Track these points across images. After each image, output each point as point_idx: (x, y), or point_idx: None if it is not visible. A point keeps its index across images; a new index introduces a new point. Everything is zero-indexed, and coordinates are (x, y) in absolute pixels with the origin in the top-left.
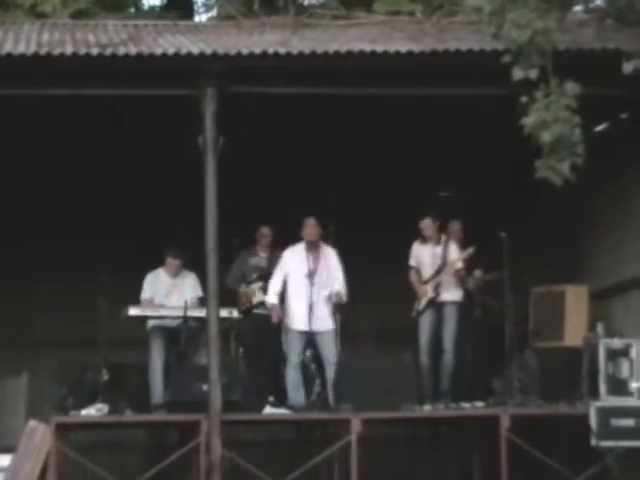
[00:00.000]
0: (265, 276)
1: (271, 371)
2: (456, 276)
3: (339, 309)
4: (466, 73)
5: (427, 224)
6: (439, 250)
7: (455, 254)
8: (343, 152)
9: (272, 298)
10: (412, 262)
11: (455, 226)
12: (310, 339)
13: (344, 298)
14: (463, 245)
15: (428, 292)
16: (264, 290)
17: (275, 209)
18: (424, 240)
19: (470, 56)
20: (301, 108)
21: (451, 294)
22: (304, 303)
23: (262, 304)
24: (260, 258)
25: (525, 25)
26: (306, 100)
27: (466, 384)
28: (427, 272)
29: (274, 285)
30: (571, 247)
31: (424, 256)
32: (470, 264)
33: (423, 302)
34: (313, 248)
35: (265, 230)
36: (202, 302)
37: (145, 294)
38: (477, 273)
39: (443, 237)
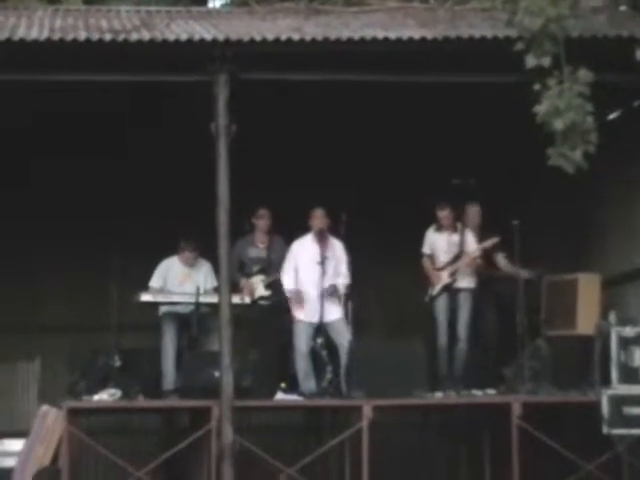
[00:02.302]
0: (266, 268)
1: (280, 359)
2: (473, 265)
3: (350, 297)
4: (479, 60)
5: (446, 214)
6: (456, 238)
7: (473, 244)
8: (355, 139)
9: (290, 283)
10: (426, 249)
11: (473, 210)
12: (320, 327)
13: (341, 291)
14: (480, 230)
15: (443, 278)
16: (264, 284)
17: (286, 196)
18: (440, 227)
19: (483, 43)
20: (314, 94)
21: (466, 281)
22: (315, 292)
23: (263, 298)
24: (259, 249)
25: (538, 12)
26: (319, 86)
27: (478, 369)
28: (442, 259)
29: (288, 276)
30: (583, 235)
31: (440, 243)
32: (490, 251)
33: (438, 287)
34: (322, 238)
35: (262, 212)
36: (217, 291)
37: (154, 282)
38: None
39: (459, 225)
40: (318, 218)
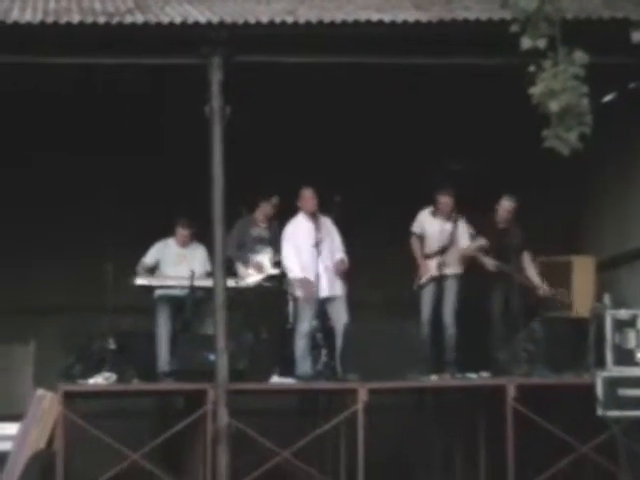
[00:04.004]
0: (269, 247)
1: (277, 341)
2: (462, 260)
3: (343, 278)
4: (474, 42)
5: (447, 200)
6: (449, 227)
7: (464, 239)
8: (349, 121)
9: (299, 272)
10: (416, 229)
11: (506, 204)
12: (320, 308)
13: (347, 264)
14: (511, 224)
15: (431, 268)
16: (272, 262)
17: (281, 179)
18: (435, 212)
19: (478, 25)
20: (308, 77)
21: (452, 268)
22: (312, 272)
23: (272, 278)
24: (261, 228)
25: None
26: (313, 69)
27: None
28: (432, 244)
29: (293, 259)
30: (578, 217)
31: (432, 228)
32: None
33: (426, 278)
34: (313, 218)
35: (275, 200)
36: (210, 275)
37: (147, 259)
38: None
39: (454, 215)
40: (309, 198)
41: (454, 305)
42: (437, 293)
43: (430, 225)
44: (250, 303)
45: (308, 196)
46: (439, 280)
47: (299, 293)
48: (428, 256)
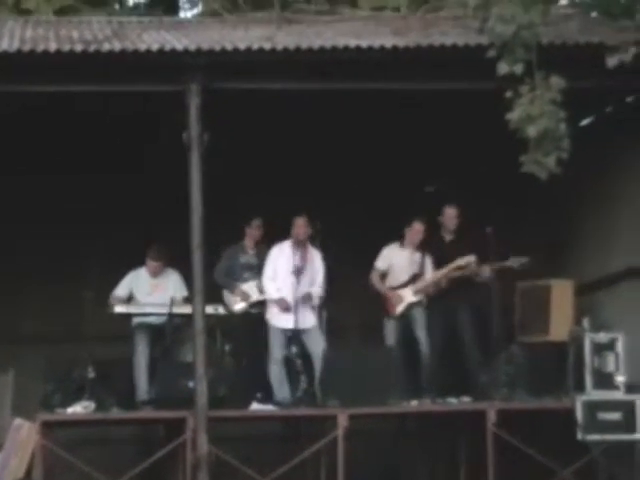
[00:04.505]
0: (257, 274)
1: (261, 368)
2: (438, 287)
3: (324, 305)
4: (451, 68)
5: (418, 228)
6: (417, 257)
7: (430, 272)
8: (328, 147)
9: (275, 293)
10: (381, 265)
11: (450, 212)
12: (294, 336)
13: (315, 301)
14: (458, 233)
15: (407, 296)
16: (259, 288)
17: (260, 205)
18: (403, 243)
19: (455, 51)
20: (286, 103)
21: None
22: (290, 299)
23: (259, 304)
24: (249, 255)
25: (510, 19)
26: (291, 95)
27: (454, 377)
28: (400, 276)
29: (271, 282)
30: (557, 241)
31: (400, 259)
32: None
33: (402, 306)
34: (301, 246)
35: (257, 222)
36: (187, 300)
37: (118, 291)
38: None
39: (419, 254)
40: (300, 227)
41: (426, 331)
42: (406, 320)
43: (399, 257)
44: (232, 330)
45: (299, 224)
46: (409, 307)
47: (270, 315)
48: (397, 287)
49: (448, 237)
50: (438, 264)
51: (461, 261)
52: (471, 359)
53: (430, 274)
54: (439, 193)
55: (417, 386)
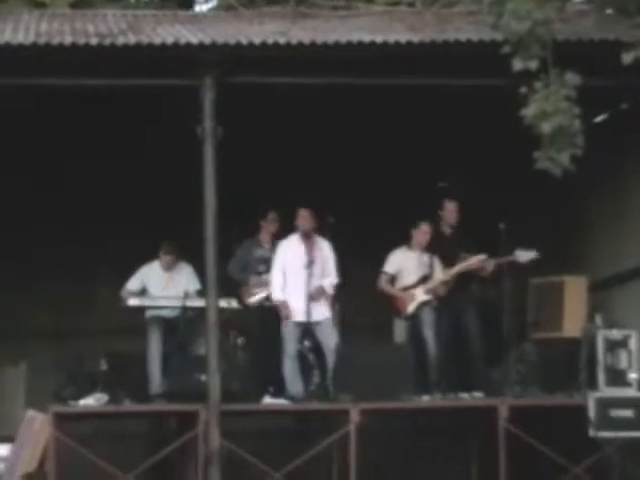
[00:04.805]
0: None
1: (274, 361)
2: (447, 286)
3: (337, 299)
4: (465, 64)
5: (426, 229)
6: (426, 258)
7: (439, 273)
8: (342, 142)
9: (279, 294)
10: (389, 269)
11: (450, 206)
12: (308, 329)
13: (329, 291)
14: (457, 228)
15: (419, 296)
16: None
17: (274, 199)
18: (411, 246)
19: (469, 46)
20: (300, 98)
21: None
22: (302, 294)
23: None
24: (264, 249)
25: (525, 15)
26: (305, 90)
27: (463, 374)
28: (411, 278)
29: (277, 281)
30: (570, 237)
31: (409, 262)
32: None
33: (414, 305)
34: (308, 239)
35: (273, 215)
36: (201, 293)
37: (130, 284)
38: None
39: (428, 255)
40: (304, 218)
41: (435, 328)
42: (416, 319)
43: (407, 260)
44: (245, 323)
45: (303, 215)
46: (419, 306)
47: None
48: (408, 287)
49: (448, 231)
50: (440, 258)
51: (472, 260)
52: (476, 356)
53: (440, 274)
54: (453, 189)
55: (428, 383)
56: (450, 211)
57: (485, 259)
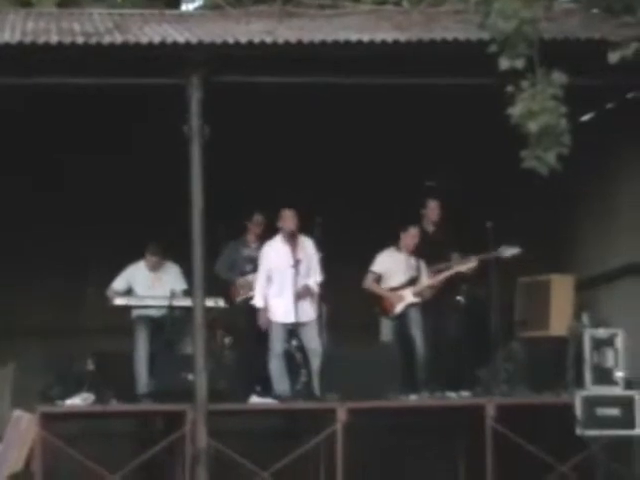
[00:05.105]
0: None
1: (261, 361)
2: (434, 289)
3: (324, 299)
4: (452, 63)
5: (414, 234)
6: (413, 261)
7: (425, 277)
8: (330, 141)
9: (260, 302)
10: (377, 268)
11: (432, 204)
12: (294, 329)
13: (315, 290)
14: (441, 226)
15: (407, 297)
16: None
17: (261, 199)
18: (398, 248)
19: (456, 45)
20: (287, 97)
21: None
22: (289, 294)
23: None
24: (251, 249)
25: (511, 14)
26: (292, 89)
27: (450, 373)
28: (397, 279)
29: (260, 287)
30: (557, 236)
31: (397, 263)
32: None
33: (401, 306)
34: (291, 239)
35: (258, 217)
36: (187, 293)
37: (116, 284)
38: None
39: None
40: (288, 219)
41: (422, 333)
42: (403, 319)
43: (395, 261)
44: (232, 323)
45: (287, 216)
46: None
47: (270, 310)
48: (396, 288)
49: (431, 229)
50: (422, 256)
51: (462, 267)
52: (458, 356)
53: (429, 277)
54: (440, 188)
55: (415, 382)
56: (432, 209)
57: (475, 265)
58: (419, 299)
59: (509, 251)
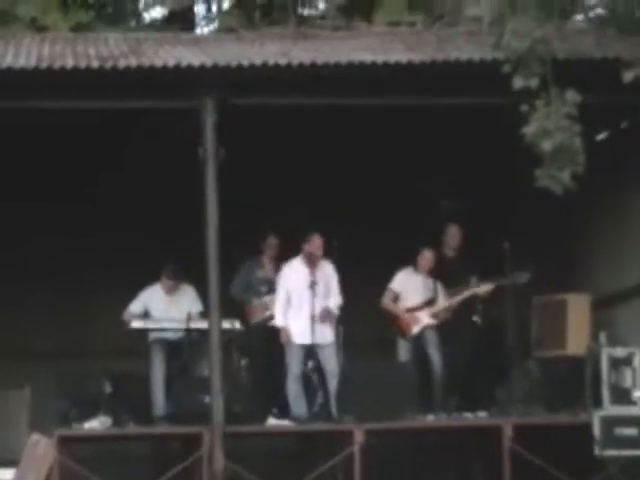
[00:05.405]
0: (275, 289)
1: (277, 383)
2: (450, 311)
3: (341, 320)
4: (466, 83)
5: (429, 256)
6: (430, 283)
7: (442, 298)
8: (344, 163)
9: (281, 320)
10: (395, 286)
11: (452, 230)
12: (311, 351)
13: (335, 312)
14: (460, 250)
15: (423, 319)
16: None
17: (276, 220)
18: (416, 269)
19: (470, 66)
20: (302, 119)
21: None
22: (306, 315)
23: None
24: (267, 270)
25: (525, 34)
26: (307, 111)
27: (467, 394)
28: (415, 299)
29: (280, 306)
30: (573, 255)
31: (415, 283)
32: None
33: (417, 328)
34: (311, 261)
35: (272, 240)
36: (203, 315)
37: (133, 307)
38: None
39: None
40: (316, 245)
41: (439, 355)
42: (420, 340)
43: (413, 281)
44: (248, 344)
45: (315, 241)
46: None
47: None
48: (413, 309)
49: (450, 254)
50: (442, 281)
51: (478, 290)
52: (475, 376)
53: (445, 299)
54: (455, 206)
55: (431, 402)
56: (452, 235)
57: (491, 289)
58: (435, 321)
59: (522, 277)
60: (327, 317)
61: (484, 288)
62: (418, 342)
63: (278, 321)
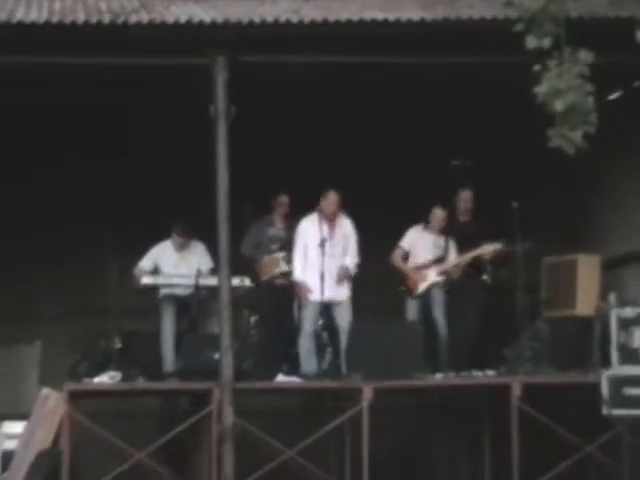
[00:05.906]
0: (286, 246)
1: (286, 340)
2: (460, 269)
3: (351, 279)
4: (478, 41)
5: (440, 215)
6: (441, 242)
7: (453, 256)
8: (355, 120)
9: (300, 275)
10: (405, 244)
11: (465, 195)
12: (324, 309)
13: (352, 271)
14: (472, 215)
15: (431, 276)
16: (287, 260)
17: (286, 178)
18: (427, 227)
19: (482, 24)
20: (313, 77)
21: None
22: (315, 272)
23: (285, 274)
24: (277, 229)
25: None
26: (318, 68)
27: (475, 353)
28: (425, 256)
29: (299, 260)
30: (583, 216)
31: (424, 241)
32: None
33: (425, 285)
34: (329, 218)
35: (283, 199)
36: (213, 271)
37: (143, 263)
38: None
39: (444, 238)
40: (331, 202)
41: (444, 314)
42: (426, 299)
43: (423, 239)
44: (258, 302)
45: (332, 199)
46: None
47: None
48: (421, 267)
49: (462, 218)
50: (456, 244)
51: (488, 248)
52: (484, 335)
53: (454, 257)
54: (464, 167)
55: (439, 362)
56: (465, 200)
57: (499, 249)
58: (444, 278)
59: (525, 245)
60: (345, 275)
61: (492, 247)
62: (424, 301)
63: (296, 275)
